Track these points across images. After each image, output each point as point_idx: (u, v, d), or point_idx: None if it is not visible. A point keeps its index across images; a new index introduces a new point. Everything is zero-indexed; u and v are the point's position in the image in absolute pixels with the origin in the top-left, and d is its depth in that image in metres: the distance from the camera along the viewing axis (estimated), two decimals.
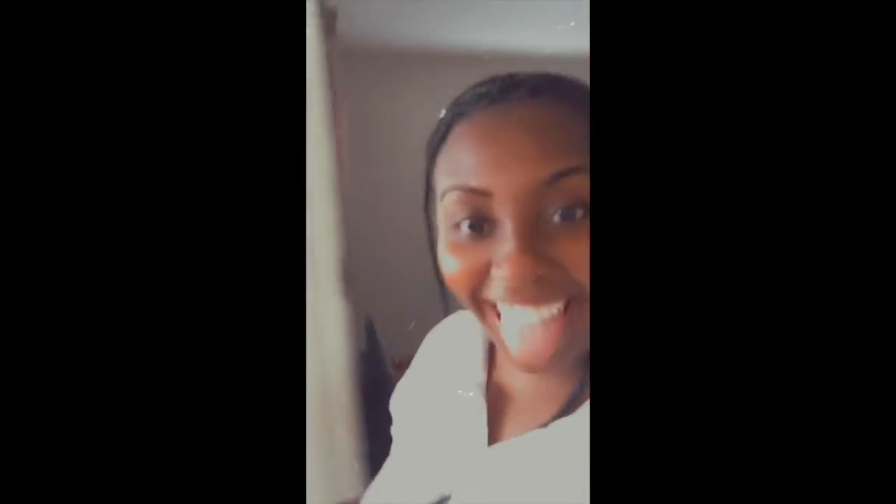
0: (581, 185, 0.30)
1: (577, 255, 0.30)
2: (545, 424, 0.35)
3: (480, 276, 0.32)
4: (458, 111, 0.34)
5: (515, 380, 0.41)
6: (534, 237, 0.30)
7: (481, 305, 0.33)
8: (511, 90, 0.32)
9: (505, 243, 0.30)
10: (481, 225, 0.31)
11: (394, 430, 0.49)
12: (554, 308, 0.31)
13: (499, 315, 0.33)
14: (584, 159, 0.30)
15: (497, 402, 0.41)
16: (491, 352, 0.44)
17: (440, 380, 0.46)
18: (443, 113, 0.35)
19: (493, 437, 0.39)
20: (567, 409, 0.35)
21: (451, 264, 0.33)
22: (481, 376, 0.42)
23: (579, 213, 0.30)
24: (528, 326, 0.32)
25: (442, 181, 0.34)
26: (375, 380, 1.49)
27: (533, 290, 0.30)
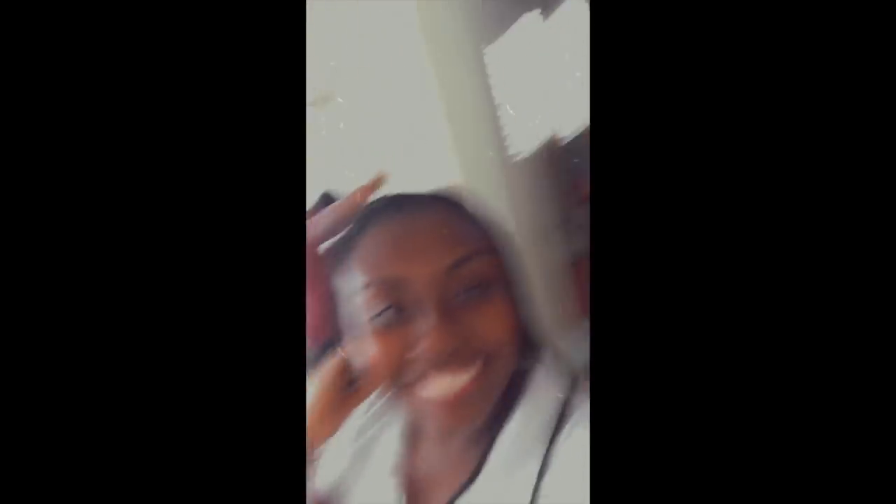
0: (476, 268, 0.37)
1: (485, 322, 0.36)
2: (457, 495, 0.39)
3: (404, 359, 0.36)
4: (365, 219, 0.40)
5: (430, 456, 0.44)
6: (447, 314, 0.35)
7: (403, 387, 0.37)
8: (408, 203, 0.40)
9: (423, 323, 0.35)
10: (401, 311, 0.36)
11: None
12: (472, 371, 0.36)
13: (419, 391, 0.36)
14: (472, 247, 0.37)
15: (413, 482, 0.44)
16: (409, 436, 0.46)
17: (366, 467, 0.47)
18: (350, 229, 0.41)
19: None
20: (474, 476, 0.39)
21: (380, 353, 0.37)
22: (397, 459, 0.45)
23: (478, 290, 0.36)
24: (451, 394, 0.36)
25: (355, 280, 0.38)
26: None
27: (451, 360, 0.35)
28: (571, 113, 2.11)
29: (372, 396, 0.47)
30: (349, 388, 0.43)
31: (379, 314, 0.36)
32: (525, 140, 1.79)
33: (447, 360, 0.35)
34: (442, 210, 0.39)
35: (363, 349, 0.38)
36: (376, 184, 1.13)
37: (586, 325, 0.46)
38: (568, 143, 2.15)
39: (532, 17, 2.03)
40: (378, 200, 0.41)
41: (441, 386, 0.35)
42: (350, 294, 0.38)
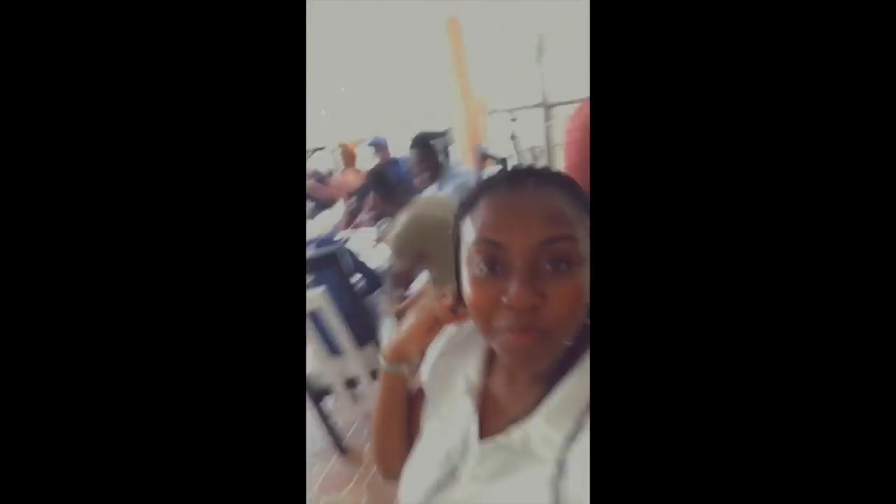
0: (565, 247, 0.43)
1: (560, 295, 0.42)
2: (512, 423, 0.49)
3: (492, 305, 0.44)
4: (488, 186, 0.48)
5: (502, 385, 0.54)
6: (531, 278, 0.42)
7: (493, 330, 0.45)
8: (526, 178, 0.46)
9: (511, 280, 0.42)
10: (495, 267, 0.44)
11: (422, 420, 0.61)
12: (536, 334, 0.43)
13: (504, 337, 0.45)
14: (568, 230, 0.43)
15: (486, 403, 0.54)
16: (488, 362, 0.57)
17: (448, 380, 0.59)
18: (476, 187, 0.49)
19: (482, 433, 0.52)
20: (531, 409, 0.48)
21: (474, 293, 0.45)
22: (478, 382, 0.56)
23: (563, 266, 0.43)
24: (525, 341, 0.43)
25: (467, 235, 0.47)
26: None
27: (528, 317, 0.42)
28: None
29: (459, 327, 0.61)
30: (444, 315, 0.56)
31: (478, 266, 0.45)
32: None
33: (525, 317, 0.42)
34: (549, 189, 0.45)
35: (466, 289, 0.47)
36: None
37: None
38: None
39: None
40: (498, 172, 0.49)
41: (517, 338, 0.43)
42: (465, 244, 0.47)
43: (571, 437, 0.44)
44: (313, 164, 4.09)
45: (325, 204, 3.59)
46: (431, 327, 0.59)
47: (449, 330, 0.64)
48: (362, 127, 4.96)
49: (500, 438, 0.49)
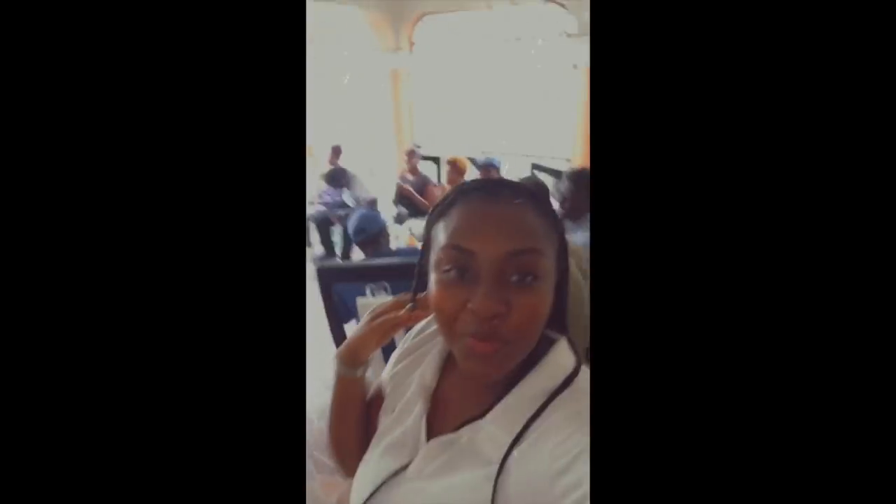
0: (532, 260, 0.44)
1: (523, 306, 0.44)
2: (462, 425, 0.50)
3: (457, 308, 0.45)
4: (462, 192, 0.49)
5: (456, 388, 0.56)
6: (496, 288, 0.43)
7: (454, 334, 0.46)
8: (501, 189, 0.48)
9: (479, 287, 0.43)
10: (463, 273, 0.45)
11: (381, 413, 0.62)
12: (497, 343, 0.44)
13: (465, 342, 0.46)
14: (538, 244, 0.44)
15: (438, 405, 0.56)
16: (443, 365, 0.58)
17: (405, 381, 0.60)
18: (451, 192, 0.50)
19: (431, 432, 0.53)
20: (481, 415, 0.49)
21: (439, 297, 0.46)
22: (431, 383, 0.57)
23: (529, 278, 0.44)
24: (485, 349, 0.44)
25: (439, 238, 0.48)
26: None
27: (491, 325, 0.43)
28: None
29: (420, 325, 0.63)
30: (402, 313, 0.57)
31: (446, 271, 0.46)
32: None
33: (488, 324, 0.43)
34: (522, 202, 0.47)
35: (431, 291, 0.48)
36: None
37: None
38: None
39: None
40: (473, 181, 0.50)
41: (478, 345, 0.44)
42: (435, 247, 0.48)
43: (517, 440, 0.45)
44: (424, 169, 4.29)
45: (418, 211, 3.71)
46: (386, 331, 0.60)
47: (411, 333, 0.65)
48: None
49: (448, 436, 0.50)
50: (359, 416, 0.66)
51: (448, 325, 0.46)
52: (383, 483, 0.51)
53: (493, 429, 0.48)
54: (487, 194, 0.47)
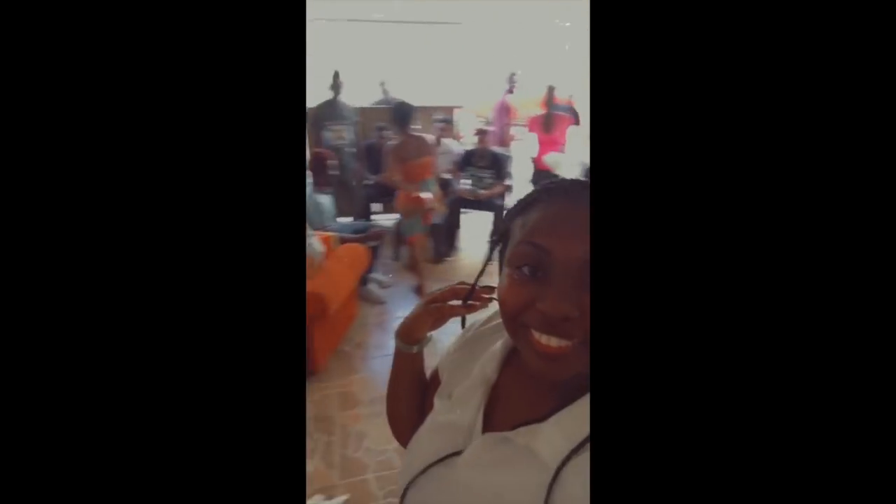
0: None
1: None
2: (520, 425, 0.49)
3: (525, 306, 0.45)
4: (545, 190, 0.48)
5: (517, 386, 0.55)
6: (568, 289, 0.43)
7: (518, 326, 0.46)
8: (583, 191, 0.46)
9: (550, 287, 0.43)
10: (536, 271, 0.45)
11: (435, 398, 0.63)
12: (571, 341, 0.44)
13: (531, 336, 0.45)
14: None
15: (496, 400, 0.55)
16: (506, 360, 0.58)
17: (464, 367, 0.61)
18: (534, 190, 0.50)
19: (487, 425, 0.53)
20: (542, 418, 0.48)
21: (509, 291, 0.46)
22: (493, 377, 0.56)
23: None
24: (551, 347, 0.44)
25: (517, 234, 0.48)
26: None
27: (560, 325, 0.43)
28: None
29: (484, 314, 0.63)
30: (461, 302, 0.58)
31: (519, 267, 0.46)
32: None
33: (556, 323, 0.43)
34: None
35: (500, 285, 0.48)
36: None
37: None
38: None
39: None
40: (559, 181, 0.49)
41: (544, 339, 0.44)
42: (512, 242, 0.49)
43: (577, 449, 0.44)
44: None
45: None
46: (439, 317, 0.62)
47: (476, 322, 0.66)
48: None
49: (506, 433, 0.50)
50: (414, 390, 0.69)
51: (513, 320, 0.46)
52: (435, 462, 0.52)
53: (553, 434, 0.47)
54: (570, 195, 0.46)
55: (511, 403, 0.54)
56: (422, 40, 5.65)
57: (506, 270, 0.48)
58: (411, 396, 0.68)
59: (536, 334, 0.44)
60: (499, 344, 0.59)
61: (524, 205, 0.49)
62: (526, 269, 0.45)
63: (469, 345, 0.64)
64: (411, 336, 0.66)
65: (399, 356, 0.68)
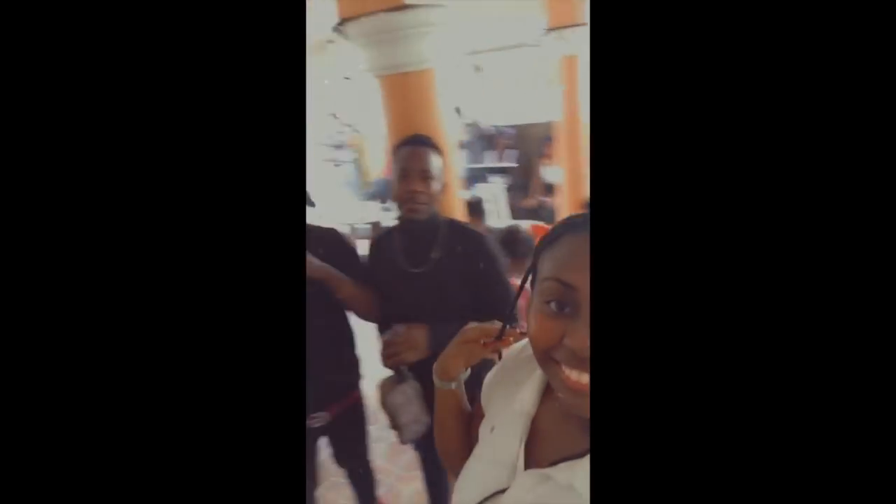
0: None
1: None
2: (560, 460, 0.49)
3: (554, 341, 0.45)
4: (570, 226, 0.48)
5: (554, 419, 0.55)
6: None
7: (549, 360, 0.47)
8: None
9: (578, 323, 0.43)
10: (563, 307, 0.45)
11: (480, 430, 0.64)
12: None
13: (561, 373, 0.45)
14: None
15: (535, 433, 0.55)
16: (543, 392, 0.58)
17: (504, 399, 0.61)
18: (561, 223, 0.50)
19: (529, 461, 0.53)
20: (581, 453, 0.47)
21: (538, 327, 0.47)
22: (531, 409, 0.56)
23: None
24: (580, 384, 0.44)
25: (544, 270, 0.48)
26: None
27: (587, 362, 0.42)
28: None
29: (519, 345, 0.63)
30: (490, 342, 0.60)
31: (546, 302, 0.46)
32: None
33: (585, 359, 0.42)
34: None
35: (530, 321, 0.49)
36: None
37: None
38: None
39: None
40: (578, 215, 0.50)
41: (574, 375, 0.44)
42: (540, 277, 0.49)
43: None
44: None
45: None
46: (472, 355, 0.64)
47: (511, 352, 0.66)
48: None
49: (546, 470, 0.49)
50: (458, 424, 0.70)
51: (544, 354, 0.47)
52: (483, 501, 0.53)
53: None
54: (586, 228, 0.46)
55: (551, 437, 0.54)
56: None
57: (534, 305, 0.48)
58: (456, 429, 0.70)
59: (566, 370, 0.44)
60: (536, 375, 0.59)
61: (551, 239, 0.50)
62: (553, 305, 0.45)
63: (507, 375, 0.64)
64: (447, 374, 0.68)
65: (439, 393, 0.70)
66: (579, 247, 0.45)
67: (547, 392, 0.57)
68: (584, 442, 0.48)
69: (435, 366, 0.68)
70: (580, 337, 0.42)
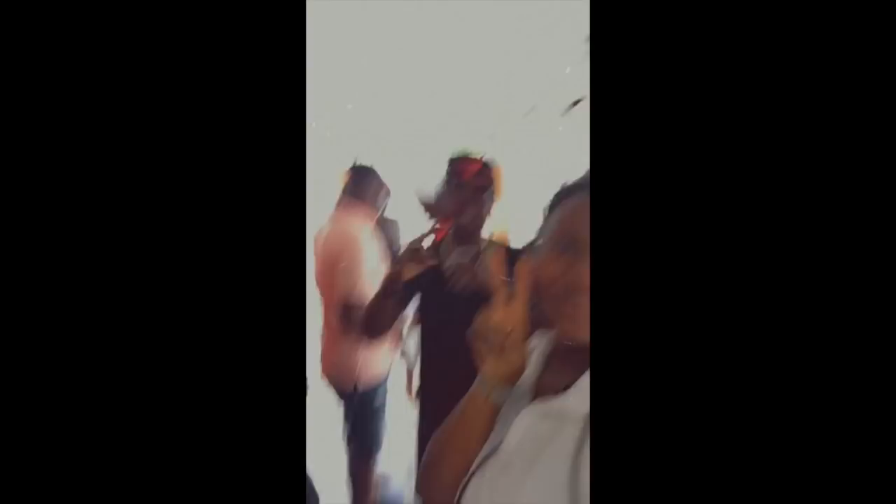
0: None
1: None
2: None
3: (555, 279, 0.49)
4: (573, 192, 0.52)
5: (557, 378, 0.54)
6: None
7: (551, 300, 0.50)
8: None
9: (575, 264, 0.47)
10: (564, 251, 0.49)
11: None
12: None
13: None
14: None
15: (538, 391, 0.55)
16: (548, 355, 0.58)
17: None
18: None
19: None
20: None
21: (541, 267, 0.50)
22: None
23: None
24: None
25: (550, 226, 0.52)
26: None
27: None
28: None
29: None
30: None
31: (551, 249, 0.50)
32: None
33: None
34: None
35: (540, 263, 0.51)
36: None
37: None
38: None
39: None
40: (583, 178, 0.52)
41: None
42: (546, 231, 0.53)
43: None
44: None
45: None
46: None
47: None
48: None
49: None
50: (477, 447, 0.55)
51: (547, 290, 0.50)
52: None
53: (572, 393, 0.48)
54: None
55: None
56: None
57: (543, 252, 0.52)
58: (467, 455, 0.56)
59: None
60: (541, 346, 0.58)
61: (559, 202, 0.53)
62: (558, 249, 0.49)
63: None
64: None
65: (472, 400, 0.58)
66: (581, 205, 0.49)
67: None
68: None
69: (485, 367, 0.49)
70: (581, 271, 0.46)
